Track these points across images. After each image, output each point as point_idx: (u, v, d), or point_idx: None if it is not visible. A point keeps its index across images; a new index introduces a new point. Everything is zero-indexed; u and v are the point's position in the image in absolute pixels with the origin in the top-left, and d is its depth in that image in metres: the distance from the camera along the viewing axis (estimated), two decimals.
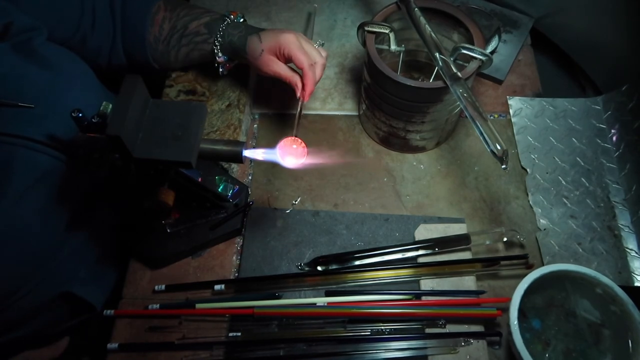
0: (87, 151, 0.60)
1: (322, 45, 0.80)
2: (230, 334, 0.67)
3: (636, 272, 0.71)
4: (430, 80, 0.79)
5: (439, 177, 0.81)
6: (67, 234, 0.70)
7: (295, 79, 0.73)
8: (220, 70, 0.81)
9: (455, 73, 0.67)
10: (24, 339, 0.73)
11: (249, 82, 0.88)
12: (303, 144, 0.67)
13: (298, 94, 0.73)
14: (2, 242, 0.61)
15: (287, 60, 0.74)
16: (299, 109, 0.74)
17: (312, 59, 0.72)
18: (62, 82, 0.67)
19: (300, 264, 0.74)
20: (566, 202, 0.77)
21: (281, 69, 0.74)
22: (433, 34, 0.71)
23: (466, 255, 0.73)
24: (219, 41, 0.76)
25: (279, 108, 0.90)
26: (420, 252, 0.72)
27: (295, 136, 0.68)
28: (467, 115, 0.64)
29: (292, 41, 0.72)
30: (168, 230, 0.73)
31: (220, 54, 0.78)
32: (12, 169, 0.61)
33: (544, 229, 0.75)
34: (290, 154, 0.66)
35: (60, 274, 0.71)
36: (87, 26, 0.75)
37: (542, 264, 0.73)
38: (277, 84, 0.93)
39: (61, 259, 0.71)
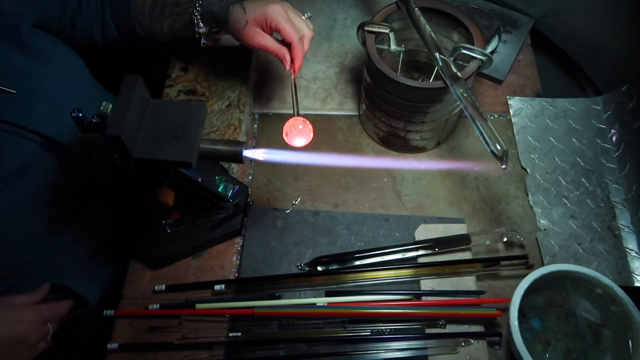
0: (87, 151, 0.60)
1: (310, 17, 0.75)
2: (230, 334, 0.67)
3: (636, 272, 0.71)
4: (430, 80, 0.79)
5: (439, 177, 0.81)
6: (58, 225, 0.70)
7: (283, 52, 0.70)
8: (203, 41, 0.77)
9: (455, 73, 0.67)
10: None
11: (249, 82, 0.88)
12: (307, 121, 0.66)
13: (287, 67, 0.71)
14: None
15: (273, 32, 0.71)
16: (293, 88, 0.72)
17: (301, 32, 0.69)
18: (51, 71, 0.67)
19: (300, 264, 0.74)
20: (566, 202, 0.77)
21: (268, 42, 0.70)
22: (433, 34, 0.71)
23: (466, 255, 0.73)
24: (197, 11, 0.73)
25: (279, 108, 0.89)
26: (421, 252, 0.72)
27: (298, 114, 0.67)
28: (467, 115, 0.64)
29: (279, 13, 0.68)
30: (168, 230, 0.73)
31: (200, 24, 0.74)
32: None
33: (544, 229, 0.75)
34: (297, 135, 0.66)
35: (51, 266, 0.71)
36: (74, 3, 0.75)
37: (542, 264, 0.73)
38: (277, 83, 0.93)
39: (52, 251, 0.71)
